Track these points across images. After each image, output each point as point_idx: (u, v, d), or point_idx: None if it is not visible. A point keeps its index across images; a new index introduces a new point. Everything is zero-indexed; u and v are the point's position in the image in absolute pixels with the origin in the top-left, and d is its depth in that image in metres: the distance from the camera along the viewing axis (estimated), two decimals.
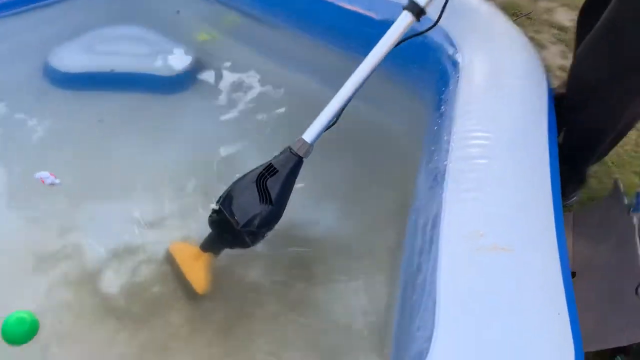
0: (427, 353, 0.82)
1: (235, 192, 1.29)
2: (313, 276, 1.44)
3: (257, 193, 1.25)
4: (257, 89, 1.97)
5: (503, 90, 1.34)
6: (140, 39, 1.93)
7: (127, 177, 1.63)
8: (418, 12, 1.23)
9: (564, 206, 1.16)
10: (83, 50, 1.84)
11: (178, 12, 2.15)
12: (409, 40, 1.58)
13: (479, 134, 1.20)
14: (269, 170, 1.26)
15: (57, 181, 1.57)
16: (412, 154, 1.59)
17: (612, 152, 2.07)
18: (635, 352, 1.36)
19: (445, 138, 1.24)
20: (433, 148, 1.27)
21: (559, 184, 1.18)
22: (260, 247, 1.49)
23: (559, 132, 1.42)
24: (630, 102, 1.47)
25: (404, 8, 1.24)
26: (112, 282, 1.37)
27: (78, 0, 2.04)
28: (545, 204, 1.09)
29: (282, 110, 1.89)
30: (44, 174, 1.58)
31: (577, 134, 1.60)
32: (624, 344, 1.30)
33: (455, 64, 1.44)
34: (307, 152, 1.28)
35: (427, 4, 1.23)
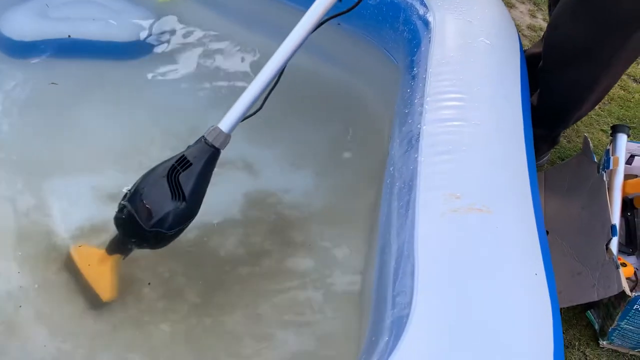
0: (407, 319, 0.82)
1: (143, 188, 1.16)
2: (290, 243, 1.43)
3: (168, 189, 1.13)
4: (221, 53, 1.90)
5: (475, 50, 1.32)
6: (96, 2, 1.83)
7: (88, 148, 1.57)
8: None
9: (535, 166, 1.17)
10: (35, 15, 1.73)
11: None
12: (382, 1, 1.55)
13: (453, 95, 1.18)
14: (181, 163, 1.14)
15: None
16: (385, 117, 1.57)
17: None
18: (605, 307, 1.39)
19: (419, 100, 1.22)
20: (406, 111, 1.25)
21: (533, 144, 1.18)
22: (236, 215, 1.47)
23: (531, 93, 1.41)
24: (611, 65, 1.46)
25: None
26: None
27: None
28: (520, 164, 1.09)
29: (247, 74, 1.83)
30: None
31: (556, 98, 1.59)
32: (595, 299, 1.33)
33: (426, 23, 1.41)
34: (224, 143, 1.16)
35: None
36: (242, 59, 1.88)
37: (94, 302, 1.25)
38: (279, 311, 1.31)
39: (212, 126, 1.16)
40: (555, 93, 1.58)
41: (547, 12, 2.53)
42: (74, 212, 1.41)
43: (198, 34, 1.92)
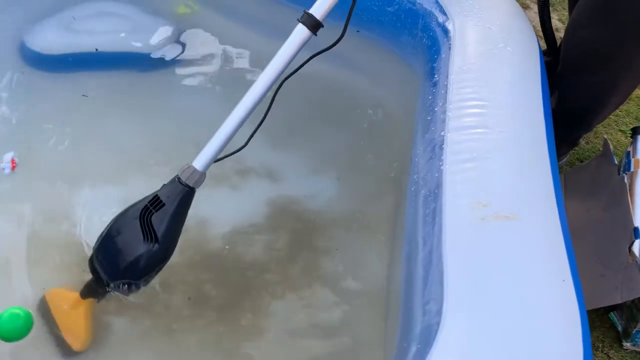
0: (438, 326, 0.84)
1: (114, 232, 1.13)
2: (314, 249, 1.45)
3: (140, 231, 1.09)
4: (242, 61, 1.93)
5: (496, 56, 1.33)
6: (119, 15, 1.86)
7: (116, 158, 1.60)
8: (314, 26, 1.10)
9: None
10: (61, 29, 1.77)
11: None
12: (400, 8, 1.57)
13: (475, 102, 1.20)
14: (154, 203, 1.10)
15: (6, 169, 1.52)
16: (405, 123, 1.59)
17: None
18: (628, 309, 1.40)
19: (441, 108, 1.23)
20: (429, 118, 1.27)
21: (555, 149, 1.19)
22: (260, 222, 1.50)
23: (550, 96, 1.41)
24: (631, 68, 1.46)
25: (299, 20, 1.12)
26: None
27: None
28: (544, 169, 1.10)
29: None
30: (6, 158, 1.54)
31: (575, 102, 1.60)
32: (618, 302, 1.34)
33: (446, 31, 1.42)
34: (199, 182, 1.13)
35: (323, 16, 1.10)
36: (261, 66, 1.90)
37: (65, 349, 1.22)
38: (305, 316, 1.34)
39: (187, 165, 1.13)
40: (574, 97, 1.58)
41: (562, 12, 2.53)
42: (103, 222, 1.43)
43: (219, 44, 1.94)
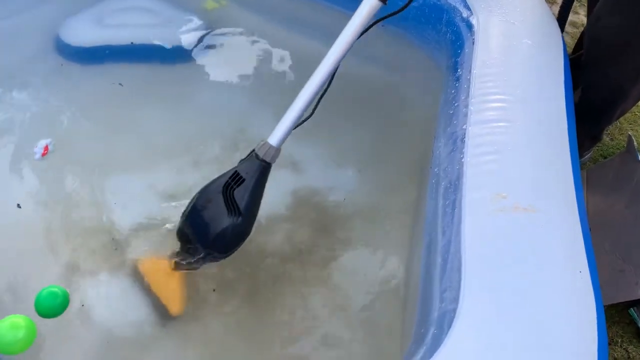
0: (455, 313, 0.86)
1: (199, 207, 1.20)
2: (335, 240, 1.48)
3: (224, 205, 1.16)
4: (267, 56, 1.97)
5: (519, 51, 1.34)
6: (148, 9, 1.91)
7: (144, 148, 1.66)
8: None
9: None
10: (94, 23, 1.83)
11: None
12: (425, 3, 1.58)
13: (497, 96, 1.21)
14: (234, 179, 1.17)
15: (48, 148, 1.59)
16: (428, 117, 1.61)
17: None
18: None
19: (463, 102, 1.25)
20: (451, 112, 1.28)
21: (576, 143, 1.20)
22: (282, 212, 1.53)
23: (574, 90, 1.42)
24: None
25: None
26: (141, 253, 1.40)
27: None
28: (564, 163, 1.11)
29: (295, 77, 1.90)
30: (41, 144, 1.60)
31: (597, 94, 1.60)
32: (638, 297, 1.34)
33: (470, 26, 1.44)
34: (274, 157, 1.19)
35: None
36: (288, 63, 1.94)
37: (163, 315, 1.30)
38: (325, 304, 1.37)
39: (262, 141, 1.19)
40: (597, 88, 1.59)
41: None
42: (132, 209, 1.49)
43: (245, 37, 1.99)
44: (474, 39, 1.39)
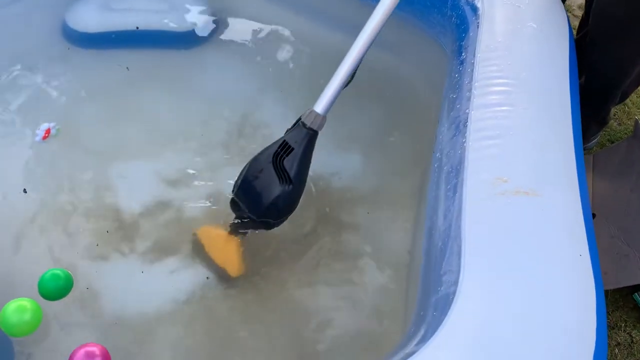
0: (454, 296, 0.87)
1: (250, 177, 1.25)
2: (339, 224, 1.49)
3: (274, 174, 1.21)
4: (272, 42, 1.96)
5: (524, 35, 1.33)
6: None
7: (150, 133, 1.67)
8: None
9: (584, 149, 1.18)
10: (100, 8, 1.83)
11: None
12: None
13: (501, 80, 1.21)
14: (283, 148, 1.22)
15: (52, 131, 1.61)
16: (431, 100, 1.60)
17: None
18: None
19: (467, 86, 1.24)
20: (454, 96, 1.28)
21: (580, 128, 1.19)
22: None
23: (580, 75, 1.41)
24: None
25: None
26: (145, 239, 1.42)
27: None
28: (567, 148, 1.11)
29: (303, 62, 1.89)
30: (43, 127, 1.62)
31: (601, 71, 1.58)
32: None
33: (474, 9, 1.42)
34: (321, 125, 1.23)
35: None
36: (295, 48, 1.94)
37: (223, 278, 1.36)
38: (330, 287, 1.38)
39: (309, 109, 1.22)
40: (600, 65, 1.57)
41: None
42: (139, 192, 1.51)
43: (250, 23, 1.98)
44: (478, 23, 1.38)
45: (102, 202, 1.49)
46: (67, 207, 1.47)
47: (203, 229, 1.41)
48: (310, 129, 1.22)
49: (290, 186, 1.22)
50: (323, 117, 1.22)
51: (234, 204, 1.33)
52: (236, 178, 1.30)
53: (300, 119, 1.24)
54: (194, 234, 1.40)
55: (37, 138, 1.60)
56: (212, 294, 1.35)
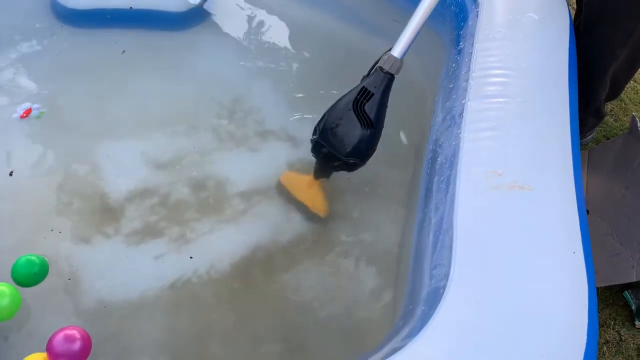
0: (444, 290, 0.85)
1: (332, 122, 1.29)
2: (330, 214, 1.46)
3: (356, 119, 1.26)
4: (270, 24, 1.92)
5: (524, 26, 1.30)
6: None
7: (138, 114, 1.63)
8: None
9: (580, 144, 1.16)
10: None
11: None
12: None
13: (499, 71, 1.18)
14: (363, 94, 1.26)
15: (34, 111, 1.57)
16: (427, 90, 1.57)
17: (629, 89, 2.04)
18: None
19: (464, 76, 1.22)
20: (451, 86, 1.25)
21: (578, 122, 1.17)
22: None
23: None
24: (635, 30, 1.45)
25: None
26: (130, 222, 1.39)
27: None
28: (564, 142, 1.08)
29: (296, 46, 1.85)
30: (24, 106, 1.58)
31: (587, 56, 1.56)
32: (633, 280, 1.33)
33: None
34: (399, 69, 1.25)
35: None
36: (286, 33, 1.90)
37: (313, 219, 1.43)
38: (317, 278, 1.36)
39: (386, 54, 1.25)
40: (587, 50, 1.54)
41: None
42: (125, 177, 1.48)
43: (243, 6, 1.94)
44: (477, 12, 1.35)
45: (87, 183, 1.45)
46: (52, 188, 1.44)
47: (286, 175, 1.49)
48: (388, 73, 1.24)
49: (372, 129, 1.26)
50: (400, 61, 1.25)
51: (315, 150, 1.37)
52: (316, 125, 1.35)
53: (376, 64, 1.26)
54: (279, 181, 1.48)
55: (15, 115, 1.56)
56: (196, 279, 1.32)
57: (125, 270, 1.32)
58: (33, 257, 1.15)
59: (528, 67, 1.20)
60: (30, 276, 1.15)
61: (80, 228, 1.37)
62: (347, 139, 1.27)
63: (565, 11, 1.39)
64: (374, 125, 1.26)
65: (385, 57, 1.24)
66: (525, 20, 1.31)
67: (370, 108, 1.25)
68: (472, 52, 1.25)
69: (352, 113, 1.26)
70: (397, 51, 1.24)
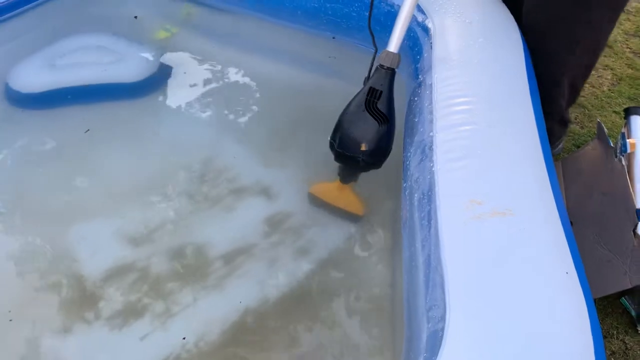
0: (442, 332, 0.82)
1: (348, 127, 1.36)
2: (315, 262, 1.42)
3: (372, 118, 1.32)
4: (227, 80, 1.93)
5: (478, 50, 1.32)
6: (100, 47, 1.85)
7: (106, 190, 1.59)
8: None
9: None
10: (44, 66, 1.77)
11: (136, 17, 2.08)
12: (379, 12, 1.56)
13: (461, 99, 1.19)
14: (373, 94, 1.32)
15: None
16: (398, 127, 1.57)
17: (589, 95, 2.08)
18: (639, 292, 1.37)
19: (427, 108, 1.22)
20: (416, 119, 1.25)
21: (547, 138, 1.17)
22: (259, 241, 1.48)
23: None
24: (580, 36, 1.47)
25: None
26: (113, 301, 1.33)
27: (28, 17, 1.94)
28: (537, 160, 1.08)
29: (256, 98, 1.85)
30: None
31: (539, 72, 1.58)
32: (629, 286, 1.31)
33: (426, 30, 1.41)
34: (398, 62, 1.32)
35: None
36: (246, 86, 1.90)
37: (353, 219, 1.48)
38: (312, 332, 1.31)
39: (384, 51, 1.32)
40: (539, 65, 1.56)
41: None
42: (101, 256, 1.42)
43: (201, 64, 1.95)
44: (431, 43, 1.36)
45: (61, 269, 1.40)
46: (26, 281, 1.37)
47: (315, 187, 1.55)
48: (389, 68, 1.32)
49: (388, 125, 1.33)
50: (398, 55, 1.32)
51: (339, 159, 1.44)
52: (330, 138, 1.42)
53: (372, 65, 1.35)
54: (310, 193, 1.54)
55: None
56: (186, 354, 1.26)
57: (110, 357, 1.25)
58: None
59: (488, 90, 1.21)
60: None
61: (59, 319, 1.31)
62: (368, 138, 1.34)
63: (515, 30, 1.42)
64: (389, 120, 1.32)
65: (383, 54, 1.32)
66: (478, 45, 1.32)
67: (382, 105, 1.32)
68: (431, 83, 1.26)
69: (366, 113, 1.33)
70: (392, 46, 1.31)
